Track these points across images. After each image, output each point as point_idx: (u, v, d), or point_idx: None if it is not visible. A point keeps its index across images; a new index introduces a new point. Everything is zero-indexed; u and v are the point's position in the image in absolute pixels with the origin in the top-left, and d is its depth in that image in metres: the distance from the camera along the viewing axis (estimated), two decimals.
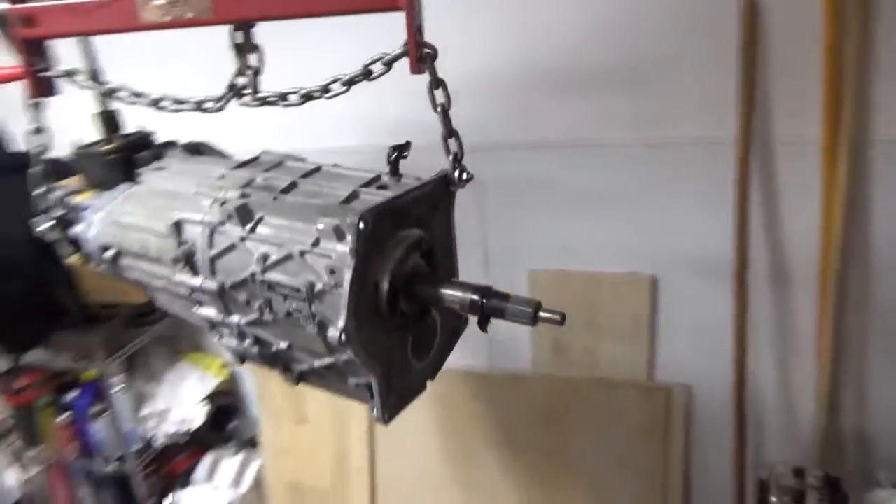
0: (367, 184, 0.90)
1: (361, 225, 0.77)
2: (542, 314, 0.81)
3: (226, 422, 2.26)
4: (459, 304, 0.84)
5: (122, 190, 1.06)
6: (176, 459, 2.27)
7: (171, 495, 2.14)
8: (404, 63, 1.92)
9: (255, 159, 1.03)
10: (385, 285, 0.82)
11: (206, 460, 2.23)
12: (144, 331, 2.10)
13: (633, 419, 1.89)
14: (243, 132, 1.68)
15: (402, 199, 0.85)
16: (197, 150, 1.14)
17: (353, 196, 0.88)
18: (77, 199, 1.09)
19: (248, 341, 0.95)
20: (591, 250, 1.85)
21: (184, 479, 2.19)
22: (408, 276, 0.85)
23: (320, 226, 0.81)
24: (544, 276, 1.91)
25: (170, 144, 1.17)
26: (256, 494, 2.26)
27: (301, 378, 1.00)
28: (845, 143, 1.54)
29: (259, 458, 2.28)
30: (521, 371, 2.01)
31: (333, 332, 0.78)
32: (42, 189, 1.07)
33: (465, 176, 0.94)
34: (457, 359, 2.01)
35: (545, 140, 1.78)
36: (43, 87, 1.02)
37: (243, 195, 0.91)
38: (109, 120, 1.17)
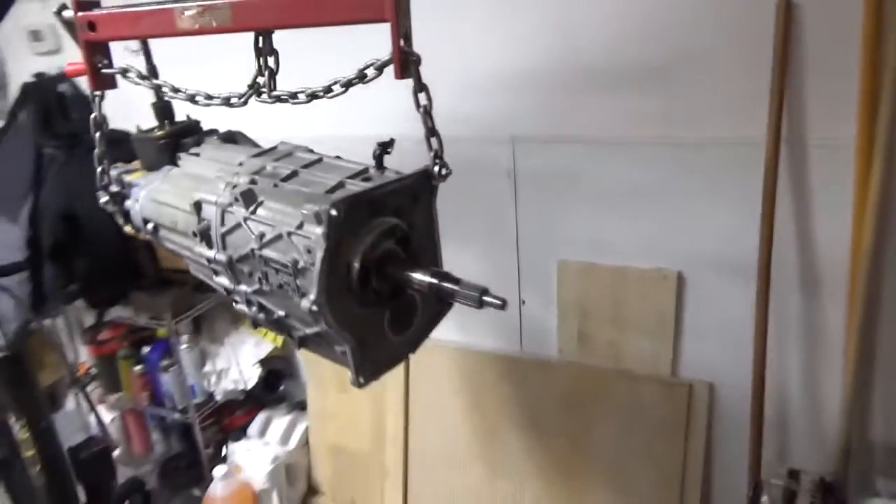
0: (354, 175, 1.02)
1: (333, 212, 0.88)
2: (486, 298, 0.90)
3: (277, 384, 2.47)
4: (419, 285, 0.94)
5: (163, 171, 1.24)
6: (235, 414, 2.51)
7: (226, 445, 2.37)
8: (441, 61, 2.04)
9: (272, 149, 1.17)
10: (356, 265, 0.93)
11: (260, 418, 2.45)
12: (210, 296, 2.33)
13: (655, 413, 1.93)
14: (300, 119, 1.84)
15: (378, 190, 0.96)
16: (231, 138, 1.30)
17: (338, 186, 1.00)
18: (129, 178, 1.27)
19: (254, 308, 1.10)
20: (620, 244, 1.89)
21: (239, 433, 2.42)
22: (379, 259, 0.96)
23: (304, 211, 0.93)
24: (572, 267, 1.97)
25: (212, 132, 1.34)
26: (303, 452, 2.46)
27: (302, 343, 1.13)
28: (881, 145, 1.51)
29: (306, 420, 2.47)
30: (548, 357, 2.08)
31: (306, 303, 0.91)
32: (102, 167, 1.26)
33: (443, 171, 1.03)
34: (489, 341, 2.14)
35: (577, 135, 1.84)
36: (104, 81, 1.20)
37: (252, 181, 1.06)
38: (163, 109, 1.34)
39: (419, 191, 1.04)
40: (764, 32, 1.55)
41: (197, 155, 1.23)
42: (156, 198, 1.18)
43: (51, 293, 2.28)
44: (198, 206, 1.07)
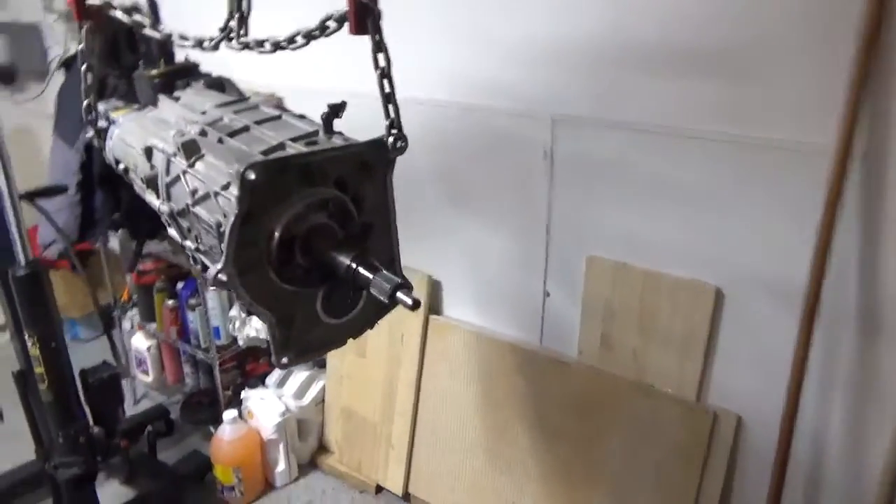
0: (300, 137, 0.93)
1: (250, 175, 0.80)
2: (399, 295, 0.79)
3: None
4: (339, 267, 0.84)
5: (144, 112, 1.19)
6: (258, 362, 2.54)
7: (243, 391, 2.40)
8: (484, 27, 1.83)
9: (240, 101, 1.10)
10: (276, 236, 0.85)
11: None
12: None
13: (673, 437, 1.75)
14: (354, 72, 1.77)
15: (312, 156, 0.86)
16: (219, 84, 1.24)
17: (278, 147, 0.91)
18: (114, 115, 1.24)
19: (199, 266, 1.04)
20: (657, 247, 1.70)
21: (257, 381, 2.44)
22: (306, 233, 0.86)
23: (231, 170, 0.86)
24: (602, 265, 1.80)
25: (203, 76, 1.28)
26: (317, 410, 2.46)
27: (249, 311, 1.07)
28: None
29: (324, 379, 2.46)
30: (567, 357, 1.94)
31: (212, 271, 0.83)
32: (88, 101, 1.24)
33: (399, 144, 0.92)
34: (509, 329, 2.02)
35: (624, 121, 1.65)
36: (89, 13, 1.17)
37: (202, 132, 0.99)
38: (162, 48, 1.30)
39: (372, 162, 0.93)
40: (849, 20, 1.30)
41: (177, 99, 1.18)
42: (124, 138, 1.14)
43: (100, 219, 2.36)
44: (148, 151, 1.02)
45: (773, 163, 1.48)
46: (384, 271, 0.82)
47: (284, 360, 0.95)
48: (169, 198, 1.00)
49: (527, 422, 2.00)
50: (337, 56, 1.77)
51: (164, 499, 2.19)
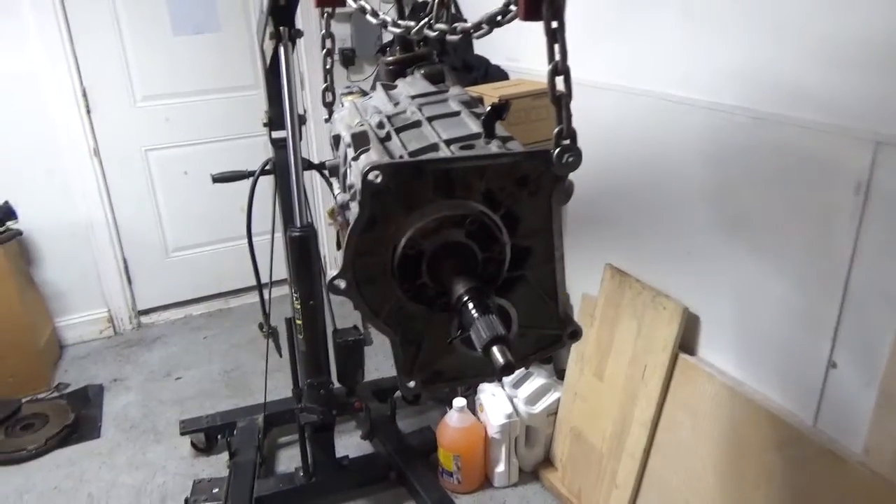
0: (456, 139, 0.81)
1: (370, 176, 0.71)
2: (494, 349, 0.63)
3: None
4: (453, 295, 0.71)
5: (365, 98, 1.19)
6: None
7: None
8: (821, 20, 1.47)
9: (437, 93, 1.01)
10: (399, 250, 0.75)
11: (520, 370, 2.38)
12: None
13: None
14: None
15: (452, 162, 0.74)
16: (439, 75, 1.17)
17: (430, 147, 0.80)
18: (346, 99, 1.26)
19: None
20: None
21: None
22: (436, 251, 0.75)
23: None
24: None
25: (433, 65, 1.23)
26: (547, 421, 2.33)
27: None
28: None
29: (561, 391, 2.31)
30: (847, 453, 1.48)
31: (329, 276, 0.77)
32: (326, 84, 1.29)
33: (568, 158, 0.73)
34: (775, 393, 1.64)
35: None
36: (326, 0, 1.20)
37: (379, 124, 0.93)
38: (401, 36, 1.28)
39: (534, 177, 0.77)
40: None
41: (393, 87, 1.15)
42: (335, 125, 1.15)
43: None
44: (336, 140, 1.00)
45: None
46: (493, 317, 0.67)
47: (410, 384, 0.85)
48: (345, 189, 0.97)
49: None
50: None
51: (388, 465, 2.31)
